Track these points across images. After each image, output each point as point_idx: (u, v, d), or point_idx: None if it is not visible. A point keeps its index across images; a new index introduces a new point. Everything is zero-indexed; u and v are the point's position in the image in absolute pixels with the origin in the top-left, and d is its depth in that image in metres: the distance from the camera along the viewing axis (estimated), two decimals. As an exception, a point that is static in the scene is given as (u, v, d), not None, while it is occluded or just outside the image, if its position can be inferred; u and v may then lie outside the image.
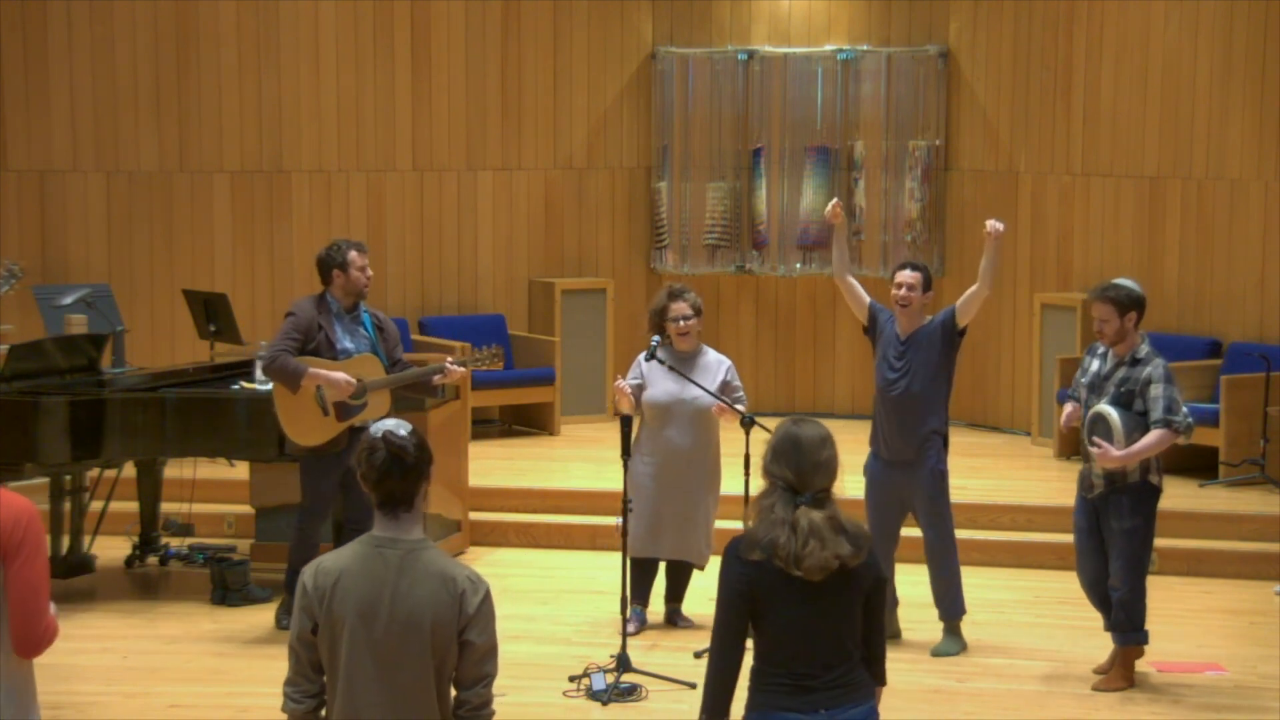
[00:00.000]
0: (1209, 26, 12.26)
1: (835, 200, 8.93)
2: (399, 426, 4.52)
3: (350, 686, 4.43)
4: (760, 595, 4.75)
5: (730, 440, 9.15)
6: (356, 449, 4.58)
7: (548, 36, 13.73)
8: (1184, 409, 8.03)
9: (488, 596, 4.48)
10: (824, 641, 4.77)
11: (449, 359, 9.20)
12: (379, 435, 4.49)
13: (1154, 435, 7.94)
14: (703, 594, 9.46)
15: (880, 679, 4.91)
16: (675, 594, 9.22)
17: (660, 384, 8.98)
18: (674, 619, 9.19)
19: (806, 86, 13.89)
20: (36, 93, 12.47)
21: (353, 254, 8.96)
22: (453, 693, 4.52)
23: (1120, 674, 8.24)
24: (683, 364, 8.98)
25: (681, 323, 8.99)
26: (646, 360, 8.97)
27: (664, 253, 14.04)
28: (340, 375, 8.80)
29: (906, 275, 8.64)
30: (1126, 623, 8.16)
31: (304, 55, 13.05)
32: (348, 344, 8.95)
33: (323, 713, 4.54)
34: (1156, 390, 7.96)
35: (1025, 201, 13.35)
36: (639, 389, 8.99)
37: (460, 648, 4.44)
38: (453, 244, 13.62)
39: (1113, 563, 8.13)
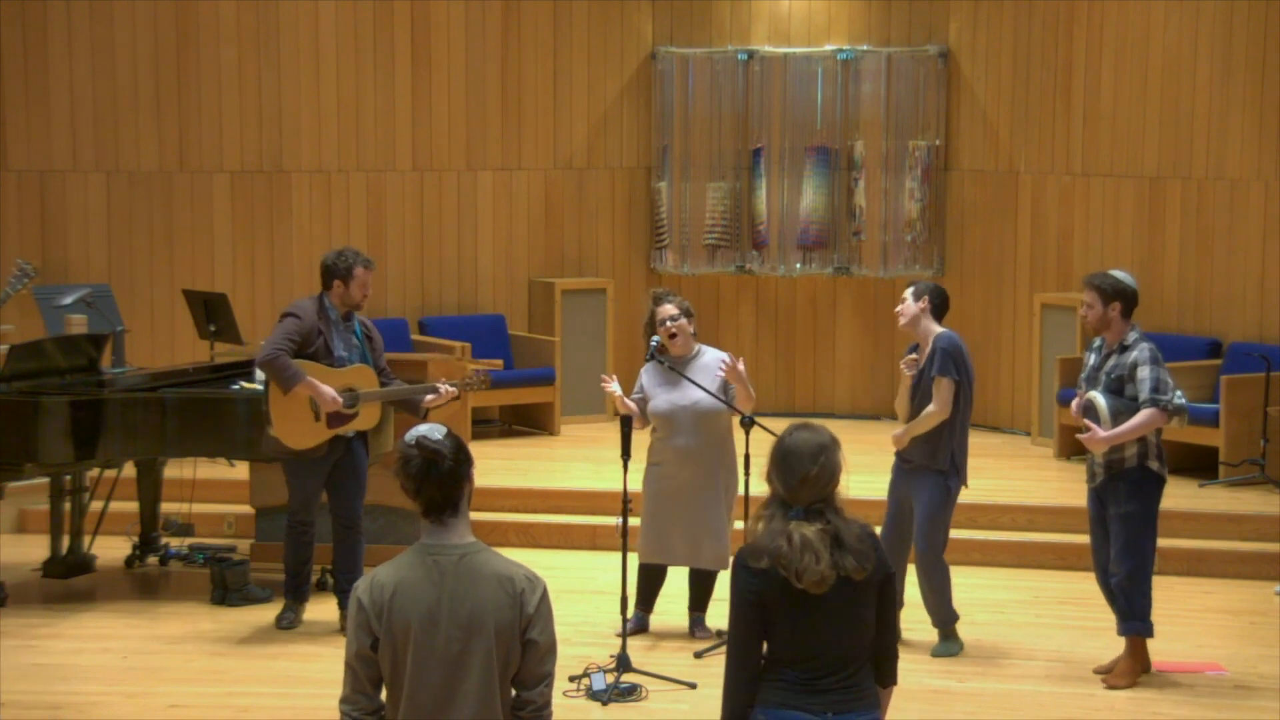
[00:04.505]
0: (1209, 26, 12.26)
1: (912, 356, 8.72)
2: (433, 431, 4.43)
3: (416, 696, 4.38)
4: (769, 603, 4.67)
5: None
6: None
7: (548, 36, 13.73)
8: (1175, 390, 8.06)
9: (546, 594, 4.44)
10: (833, 646, 4.69)
11: (442, 380, 9.20)
12: (412, 441, 4.40)
13: (1143, 415, 7.98)
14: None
15: (890, 679, 4.83)
16: (698, 603, 9.03)
17: (660, 395, 8.83)
18: (694, 629, 9.00)
19: (806, 86, 13.88)
20: (36, 93, 12.47)
21: (360, 270, 8.96)
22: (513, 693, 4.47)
23: (1127, 668, 8.23)
24: (679, 368, 8.83)
25: (669, 323, 8.80)
26: (646, 360, 8.87)
27: (664, 253, 14.04)
28: (329, 391, 8.81)
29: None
30: (1126, 609, 8.16)
31: (304, 55, 13.05)
32: (342, 351, 8.99)
33: None
34: (1144, 372, 8.03)
35: (1025, 201, 13.35)
36: (642, 402, 8.84)
37: (524, 647, 4.39)
38: (453, 244, 13.62)
39: (1112, 548, 8.15)
